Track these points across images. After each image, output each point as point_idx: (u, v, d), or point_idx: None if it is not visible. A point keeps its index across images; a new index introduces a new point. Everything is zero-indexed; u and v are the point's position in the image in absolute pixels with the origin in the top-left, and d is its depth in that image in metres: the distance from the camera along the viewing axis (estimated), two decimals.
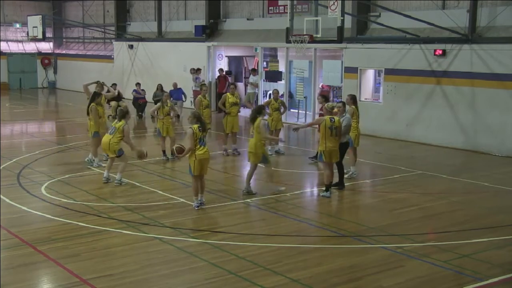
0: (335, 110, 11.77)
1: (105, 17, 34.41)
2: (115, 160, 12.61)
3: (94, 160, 14.15)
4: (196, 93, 24.95)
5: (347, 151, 12.60)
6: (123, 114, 12.55)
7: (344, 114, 12.18)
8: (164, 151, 15.05)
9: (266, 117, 14.69)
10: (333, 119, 11.49)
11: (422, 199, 11.72)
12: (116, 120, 12.62)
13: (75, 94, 31.80)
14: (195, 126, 10.49)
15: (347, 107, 12.73)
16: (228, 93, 16.03)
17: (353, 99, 13.14)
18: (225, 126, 15.76)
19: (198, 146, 10.44)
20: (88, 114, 14.22)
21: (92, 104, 14.10)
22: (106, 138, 12.51)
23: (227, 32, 25.98)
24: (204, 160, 10.56)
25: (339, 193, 11.87)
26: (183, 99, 23.62)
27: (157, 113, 14.88)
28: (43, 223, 9.92)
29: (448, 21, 17.17)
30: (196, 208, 10.69)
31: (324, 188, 11.77)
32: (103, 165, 13.90)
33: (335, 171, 12.04)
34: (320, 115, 11.98)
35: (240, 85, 26.43)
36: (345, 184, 12.39)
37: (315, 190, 12.50)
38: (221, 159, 15.57)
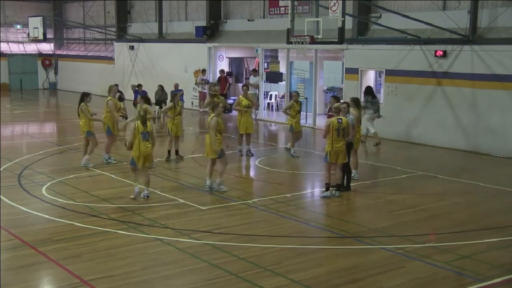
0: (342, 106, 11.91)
1: (106, 18, 34.42)
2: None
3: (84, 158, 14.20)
4: (201, 95, 25.03)
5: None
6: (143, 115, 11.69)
7: (347, 115, 12.13)
8: (169, 151, 15.06)
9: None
10: (340, 120, 11.57)
11: (423, 200, 11.71)
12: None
13: (76, 95, 31.59)
14: (138, 121, 11.23)
15: (351, 109, 12.68)
16: (241, 96, 15.92)
17: (355, 102, 13.02)
18: (239, 127, 15.71)
19: (142, 140, 11.14)
20: (78, 115, 14.19)
21: (81, 104, 14.09)
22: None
23: (228, 33, 25.98)
24: (146, 155, 11.26)
25: (340, 194, 11.85)
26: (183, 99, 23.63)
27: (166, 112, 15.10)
28: (43, 224, 9.92)
29: (449, 22, 17.16)
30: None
31: (324, 189, 11.79)
32: (91, 165, 14.02)
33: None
34: (329, 116, 11.97)
35: (240, 86, 26.39)
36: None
37: (316, 191, 12.49)
38: None
